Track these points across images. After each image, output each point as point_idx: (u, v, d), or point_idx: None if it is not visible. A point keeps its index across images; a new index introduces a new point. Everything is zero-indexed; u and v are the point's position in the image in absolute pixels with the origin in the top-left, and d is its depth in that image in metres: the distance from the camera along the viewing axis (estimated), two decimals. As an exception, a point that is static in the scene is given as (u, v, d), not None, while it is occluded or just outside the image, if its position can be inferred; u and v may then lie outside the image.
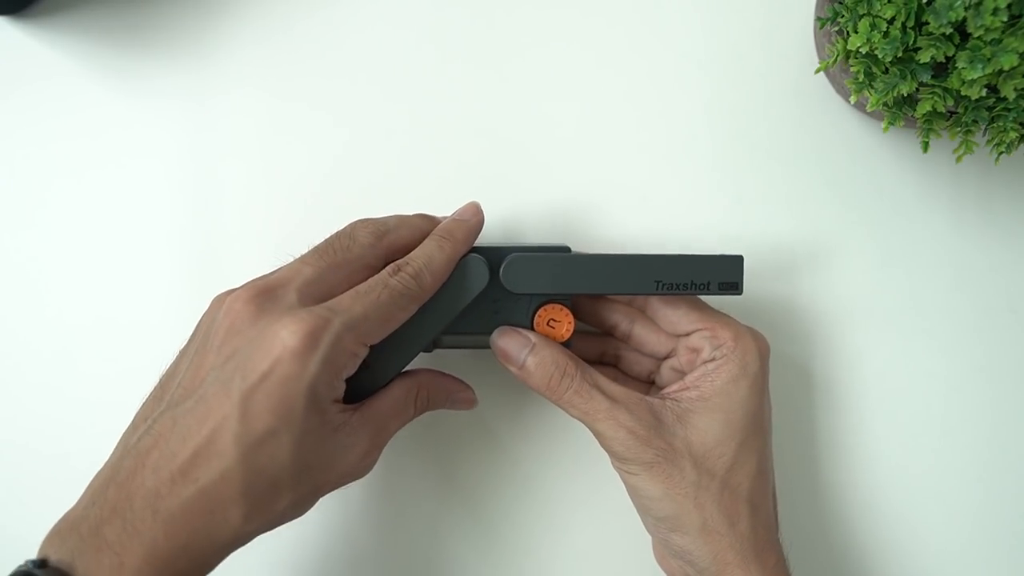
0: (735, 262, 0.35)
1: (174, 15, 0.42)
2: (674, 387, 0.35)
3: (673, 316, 0.36)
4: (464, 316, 0.35)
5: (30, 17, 0.43)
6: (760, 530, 0.34)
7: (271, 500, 0.30)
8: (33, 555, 0.29)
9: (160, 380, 0.33)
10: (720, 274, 0.35)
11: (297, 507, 0.31)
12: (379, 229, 0.35)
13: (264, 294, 0.31)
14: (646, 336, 0.38)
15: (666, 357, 0.38)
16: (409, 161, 0.42)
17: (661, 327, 0.37)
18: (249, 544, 0.30)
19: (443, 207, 0.41)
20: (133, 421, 0.33)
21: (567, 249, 0.36)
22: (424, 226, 0.36)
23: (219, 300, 0.33)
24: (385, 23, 0.42)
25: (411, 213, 0.37)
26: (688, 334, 0.36)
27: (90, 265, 0.42)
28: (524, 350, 0.35)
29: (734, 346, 0.35)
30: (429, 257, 0.34)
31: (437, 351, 0.40)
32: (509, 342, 0.35)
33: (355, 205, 0.42)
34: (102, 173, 0.42)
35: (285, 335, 0.29)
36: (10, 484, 0.42)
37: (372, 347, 0.32)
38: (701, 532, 0.33)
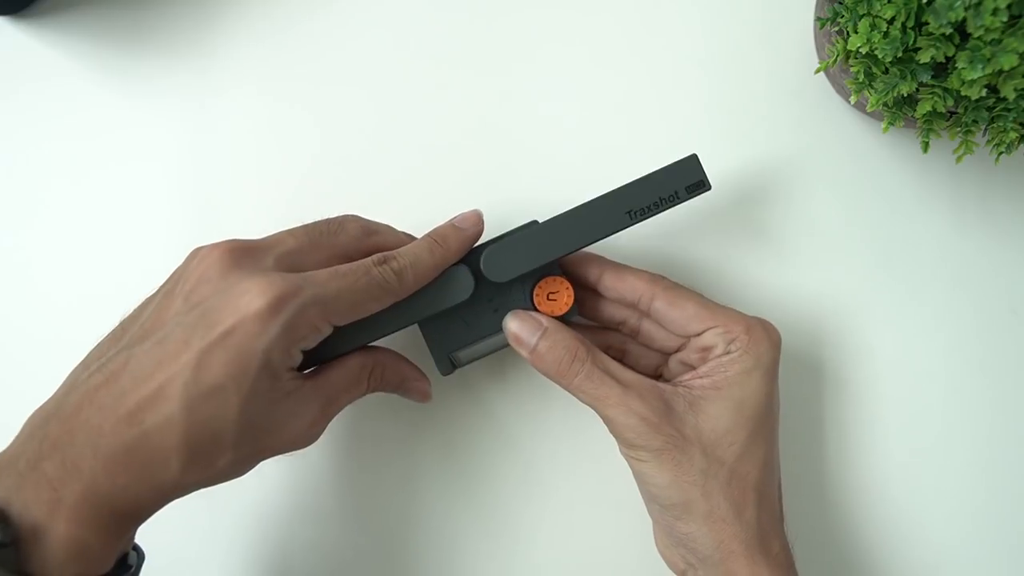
0: (691, 161, 0.35)
1: (174, 15, 0.43)
2: (686, 376, 0.35)
3: (681, 319, 0.36)
4: (468, 326, 0.36)
5: (30, 17, 0.43)
6: (765, 520, 0.34)
7: (211, 455, 0.29)
8: None
9: (121, 322, 0.33)
10: (683, 179, 0.34)
11: (237, 466, 0.31)
12: (368, 227, 0.35)
13: (242, 251, 0.32)
14: (655, 332, 0.38)
15: (675, 352, 0.38)
16: (410, 161, 0.42)
17: (670, 330, 0.37)
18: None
19: (443, 206, 0.41)
20: (85, 359, 0.32)
21: (535, 222, 0.36)
22: (407, 242, 0.36)
23: (196, 251, 0.33)
24: (385, 25, 0.42)
25: (401, 230, 0.37)
26: (699, 334, 0.36)
27: (90, 265, 0.42)
28: (536, 334, 0.35)
29: (748, 339, 0.35)
30: (416, 257, 0.34)
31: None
32: (522, 326, 0.35)
33: (356, 204, 0.42)
34: (102, 173, 0.42)
35: (254, 294, 0.29)
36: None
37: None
38: (707, 520, 0.33)
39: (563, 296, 0.36)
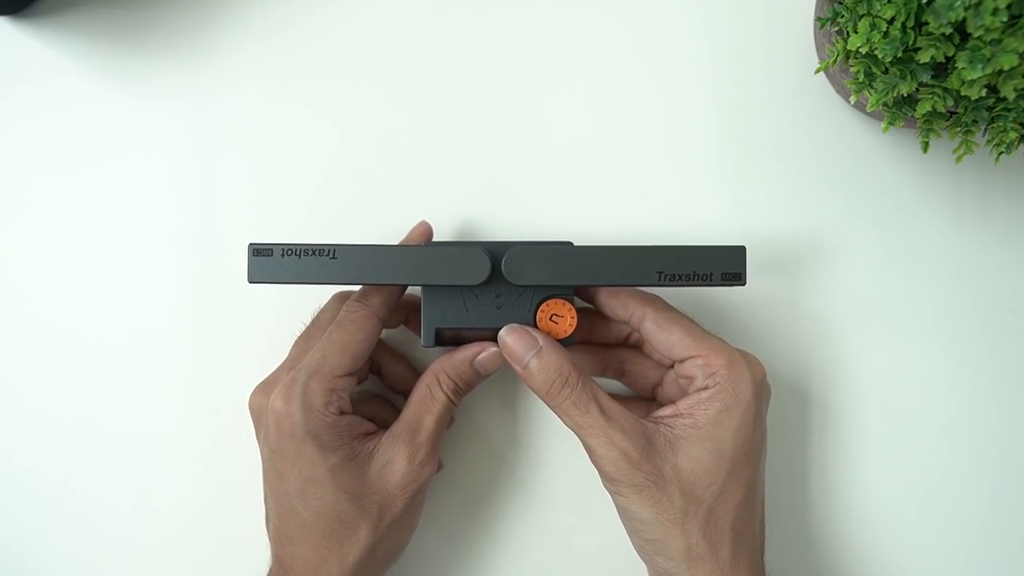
0: (738, 253, 0.35)
1: (174, 15, 0.43)
2: (667, 412, 0.35)
3: (667, 343, 0.36)
4: (467, 311, 0.36)
5: (30, 17, 0.43)
6: (743, 557, 0.34)
7: (346, 530, 0.34)
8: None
9: None
10: (723, 265, 0.34)
11: (392, 531, 0.35)
12: (344, 293, 0.39)
13: (266, 385, 0.37)
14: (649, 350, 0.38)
15: (671, 366, 0.38)
16: (409, 159, 0.42)
17: (658, 351, 0.37)
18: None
19: (443, 204, 0.42)
20: None
21: (570, 244, 0.36)
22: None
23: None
24: (385, 22, 0.42)
25: None
26: (683, 360, 0.36)
27: (91, 265, 0.42)
28: (530, 351, 0.35)
29: (727, 374, 0.35)
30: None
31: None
32: (517, 341, 0.35)
33: (355, 202, 0.42)
34: (102, 173, 0.42)
35: (275, 401, 0.34)
36: (9, 483, 0.42)
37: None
38: (685, 558, 0.33)
39: (565, 322, 0.36)
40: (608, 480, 0.34)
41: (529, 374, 0.35)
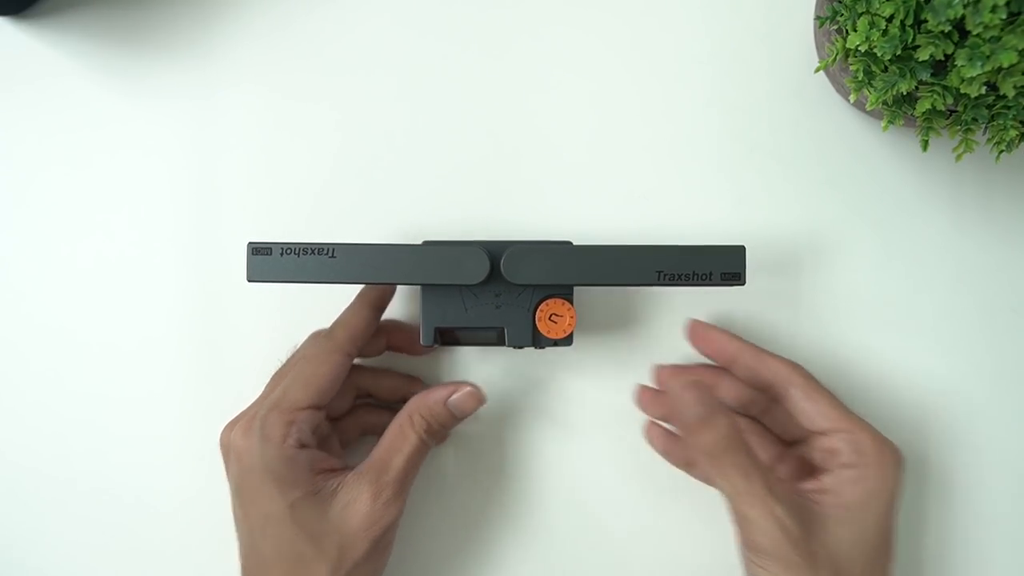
0: (737, 252, 0.35)
1: (174, 15, 0.43)
2: (811, 486, 0.34)
3: (812, 412, 0.35)
4: (467, 310, 0.36)
5: (30, 17, 0.43)
6: None
7: (307, 573, 0.33)
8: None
9: None
10: (722, 264, 0.34)
11: (355, 571, 0.34)
12: (320, 331, 0.38)
13: (234, 421, 0.36)
14: (779, 417, 0.38)
15: (792, 444, 0.37)
16: (409, 159, 0.42)
17: (799, 420, 0.36)
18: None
19: (443, 202, 0.42)
20: None
21: (569, 244, 0.36)
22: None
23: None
24: (385, 18, 0.42)
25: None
26: (824, 432, 0.35)
27: (90, 264, 0.42)
28: (701, 408, 0.33)
29: (876, 455, 0.33)
30: (346, 317, 0.37)
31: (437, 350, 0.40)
32: (694, 399, 0.33)
33: (355, 200, 0.42)
34: (102, 173, 0.42)
35: (236, 437, 0.35)
36: (9, 484, 0.42)
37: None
38: None
39: (564, 321, 0.36)
40: (755, 552, 0.32)
41: (698, 432, 0.33)
